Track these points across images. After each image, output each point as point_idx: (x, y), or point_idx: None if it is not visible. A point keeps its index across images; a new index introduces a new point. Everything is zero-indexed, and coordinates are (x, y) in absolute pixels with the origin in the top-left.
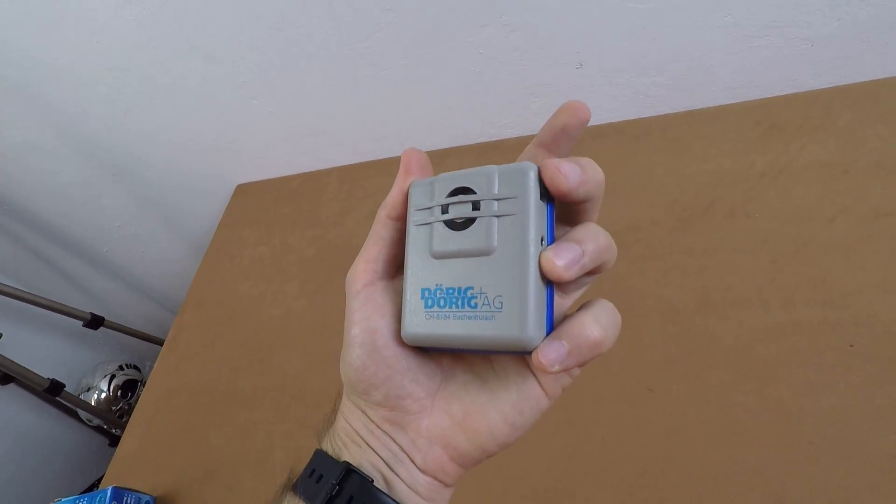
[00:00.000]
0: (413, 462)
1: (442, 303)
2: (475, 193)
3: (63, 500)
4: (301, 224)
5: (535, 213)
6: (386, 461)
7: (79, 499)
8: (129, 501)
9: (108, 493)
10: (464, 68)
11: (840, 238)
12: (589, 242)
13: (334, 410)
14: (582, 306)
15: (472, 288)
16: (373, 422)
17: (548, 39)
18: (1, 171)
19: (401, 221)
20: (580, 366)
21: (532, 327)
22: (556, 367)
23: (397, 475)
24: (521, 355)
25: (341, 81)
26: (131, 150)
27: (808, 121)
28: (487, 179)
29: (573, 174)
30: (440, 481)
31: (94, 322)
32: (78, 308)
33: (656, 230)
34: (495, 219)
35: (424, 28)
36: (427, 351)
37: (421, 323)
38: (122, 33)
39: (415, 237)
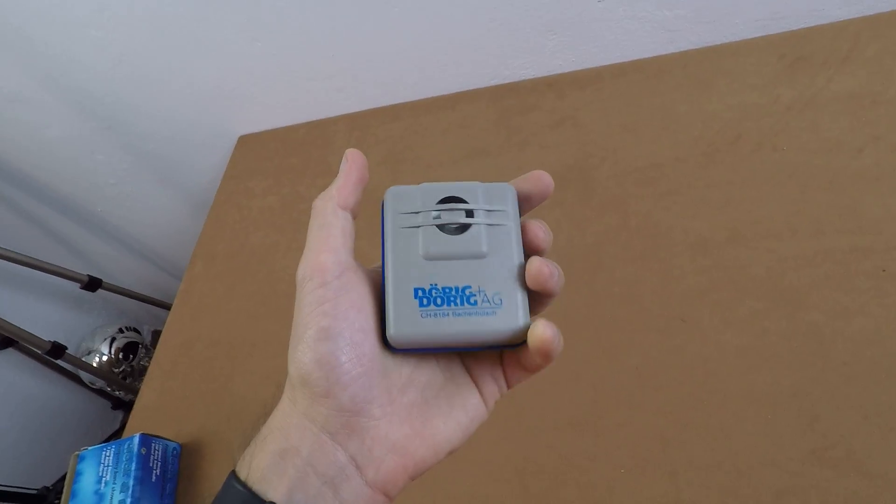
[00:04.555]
0: (362, 475)
1: (439, 301)
2: (467, 203)
3: (89, 448)
4: (310, 173)
5: (518, 225)
6: (332, 479)
7: (106, 447)
8: (156, 448)
9: (136, 440)
10: (478, 3)
11: (869, 168)
12: (558, 271)
13: (261, 419)
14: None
15: (469, 287)
16: (327, 431)
17: None
18: None
19: (349, 212)
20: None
21: (527, 319)
22: (552, 338)
23: (338, 498)
24: (511, 348)
25: (348, 20)
26: (125, 101)
27: (834, 53)
28: (475, 193)
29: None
30: (385, 494)
31: (92, 284)
32: (74, 270)
33: (681, 166)
34: (486, 227)
35: None
36: (396, 355)
37: (415, 322)
38: None
39: (400, 239)
